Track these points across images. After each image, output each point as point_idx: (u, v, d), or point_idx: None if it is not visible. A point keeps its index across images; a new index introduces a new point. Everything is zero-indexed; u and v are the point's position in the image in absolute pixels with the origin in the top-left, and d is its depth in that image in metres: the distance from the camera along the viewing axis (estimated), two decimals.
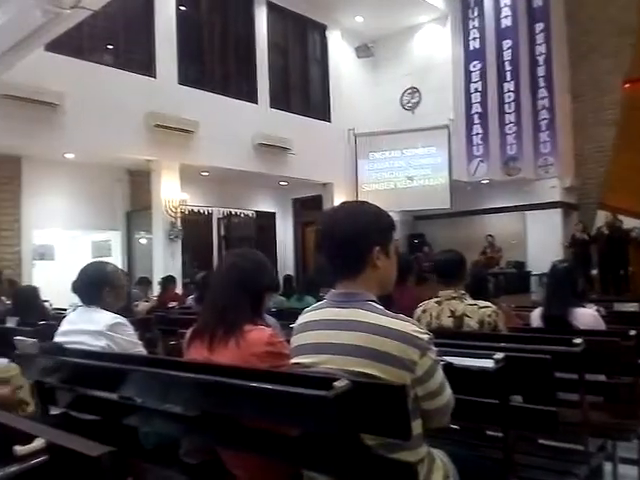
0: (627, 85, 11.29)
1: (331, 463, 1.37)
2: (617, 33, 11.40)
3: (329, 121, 11.53)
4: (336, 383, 1.24)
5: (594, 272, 9.63)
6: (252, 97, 10.19)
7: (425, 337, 1.34)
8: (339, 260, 1.46)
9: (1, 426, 1.14)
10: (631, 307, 4.46)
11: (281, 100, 10.76)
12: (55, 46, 6.91)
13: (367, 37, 11.24)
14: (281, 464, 1.58)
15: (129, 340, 2.35)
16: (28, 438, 1.05)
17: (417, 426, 1.36)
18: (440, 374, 1.38)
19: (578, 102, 12.06)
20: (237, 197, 11.29)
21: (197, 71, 9.60)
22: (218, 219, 11.07)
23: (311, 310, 1.56)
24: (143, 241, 9.73)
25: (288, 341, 1.66)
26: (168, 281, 7.41)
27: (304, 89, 11.48)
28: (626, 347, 2.47)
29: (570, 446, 2.18)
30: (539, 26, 11.69)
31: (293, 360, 1.54)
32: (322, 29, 11.56)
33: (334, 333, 1.42)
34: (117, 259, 9.36)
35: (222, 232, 11.09)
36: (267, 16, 10.49)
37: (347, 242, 1.43)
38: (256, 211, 11.82)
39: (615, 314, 4.04)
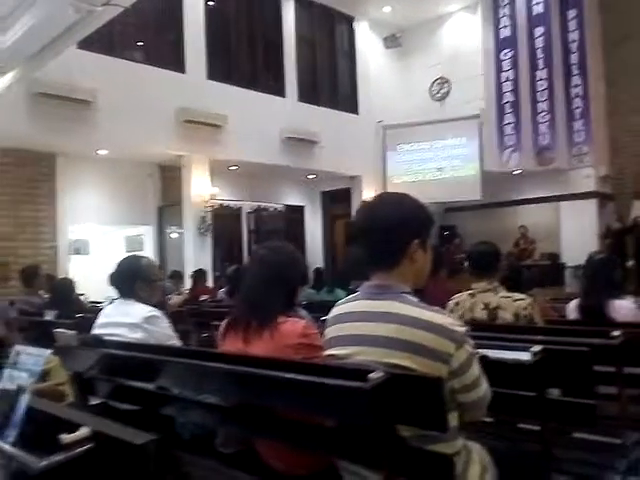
0: None
1: (367, 454, 1.38)
2: None
3: (357, 113, 11.47)
4: (371, 375, 1.24)
5: (630, 263, 9.37)
6: (280, 91, 10.21)
7: (461, 329, 1.33)
8: (378, 249, 1.45)
9: (47, 415, 1.18)
10: None
11: (309, 93, 10.75)
12: (87, 44, 7.03)
13: (395, 27, 11.13)
14: (316, 455, 1.59)
15: (164, 332, 2.40)
16: (70, 427, 1.08)
17: (453, 419, 1.35)
18: (476, 367, 1.36)
19: (613, 89, 11.70)
20: (266, 191, 11.35)
21: (225, 66, 9.65)
22: (247, 213, 11.16)
23: (345, 302, 1.56)
24: (174, 235, 9.87)
25: (321, 334, 1.67)
26: (199, 275, 7.51)
27: (332, 82, 11.44)
28: None
29: (608, 439, 2.14)
30: (572, 13, 11.37)
31: (327, 352, 1.54)
32: (349, 21, 11.49)
33: (368, 325, 1.41)
34: (149, 253, 9.51)
35: (252, 226, 11.19)
36: (294, 9, 10.48)
37: (389, 231, 1.42)
38: (285, 205, 11.87)
39: None
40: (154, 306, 2.47)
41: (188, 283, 7.71)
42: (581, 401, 1.80)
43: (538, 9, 11.43)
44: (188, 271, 8.15)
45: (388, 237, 1.42)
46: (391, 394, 1.26)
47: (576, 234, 10.88)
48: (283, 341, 1.71)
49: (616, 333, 2.22)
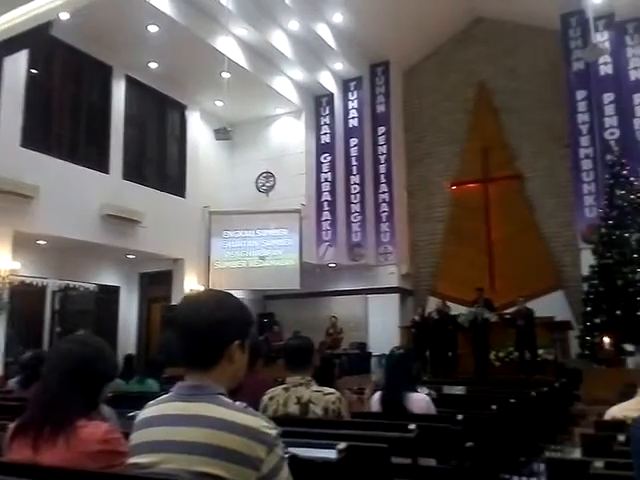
0: (453, 187, 12.93)
1: None
2: (448, 142, 13.15)
3: (184, 197, 11.45)
4: None
5: (427, 354, 10.38)
6: (103, 167, 9.83)
7: (273, 432, 1.34)
8: (196, 348, 1.42)
9: None
10: (458, 390, 4.86)
11: (135, 172, 10.52)
12: None
13: (226, 121, 11.59)
14: None
15: None
16: None
17: None
18: (285, 472, 1.36)
19: (413, 199, 13.47)
20: (77, 269, 10.52)
21: (43, 135, 9.07)
22: (53, 292, 10.15)
23: (155, 404, 1.48)
24: None
25: (126, 434, 1.55)
26: None
27: (160, 164, 11.37)
28: (454, 432, 2.69)
29: None
30: (381, 129, 13.10)
31: (131, 460, 1.44)
32: (182, 108, 11.71)
33: (179, 429, 1.36)
34: None
35: (56, 306, 10.16)
36: (125, 89, 10.39)
37: (210, 332, 1.40)
38: (98, 284, 11.07)
39: (445, 397, 4.38)
40: None
41: None
42: None
43: (353, 122, 12.95)
44: None
45: (208, 337, 1.41)
46: None
47: (381, 325, 11.87)
48: (81, 448, 1.55)
49: (412, 426, 2.43)
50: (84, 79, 9.88)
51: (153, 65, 10.40)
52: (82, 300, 10.69)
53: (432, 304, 11.43)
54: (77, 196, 8.93)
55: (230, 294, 1.54)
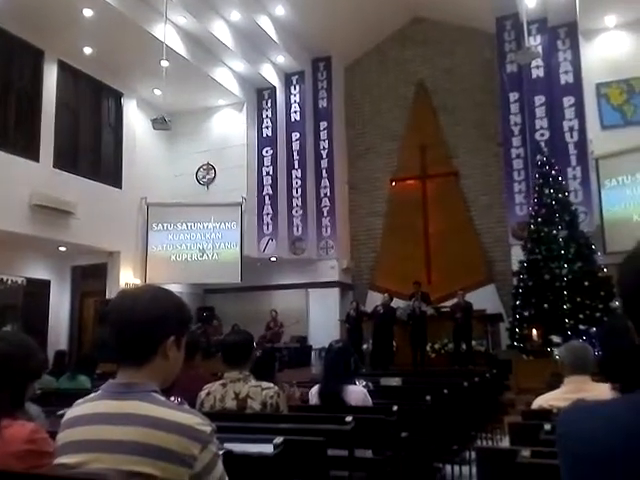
0: (393, 183, 13.16)
1: None
2: (388, 138, 13.36)
3: (120, 188, 11.08)
4: None
5: (365, 347, 10.57)
6: (32, 154, 9.35)
7: (207, 429, 1.32)
8: (130, 344, 1.38)
9: None
10: (395, 382, 4.97)
11: (67, 161, 10.08)
12: None
13: (165, 110, 11.26)
14: None
15: None
16: None
17: None
18: (219, 469, 1.35)
19: (354, 193, 13.61)
20: (5, 261, 9.97)
21: None
22: None
23: (83, 402, 1.44)
24: None
25: (55, 433, 1.50)
26: None
27: (95, 152, 10.94)
28: (390, 422, 2.75)
29: None
30: (323, 124, 13.15)
31: (57, 460, 1.38)
32: (118, 96, 11.31)
33: (108, 428, 1.32)
34: None
35: None
36: (57, 74, 9.92)
37: (145, 326, 1.37)
38: (27, 278, 10.56)
39: (382, 388, 4.48)
40: None
41: None
42: None
43: (295, 117, 12.92)
44: None
45: (142, 333, 1.38)
46: None
47: (321, 318, 11.97)
48: (6, 448, 1.49)
49: (348, 419, 2.46)
50: (13, 63, 9.35)
51: (88, 50, 9.98)
52: (9, 294, 10.19)
53: (373, 298, 11.62)
54: (3, 184, 8.47)
55: (167, 290, 1.51)
